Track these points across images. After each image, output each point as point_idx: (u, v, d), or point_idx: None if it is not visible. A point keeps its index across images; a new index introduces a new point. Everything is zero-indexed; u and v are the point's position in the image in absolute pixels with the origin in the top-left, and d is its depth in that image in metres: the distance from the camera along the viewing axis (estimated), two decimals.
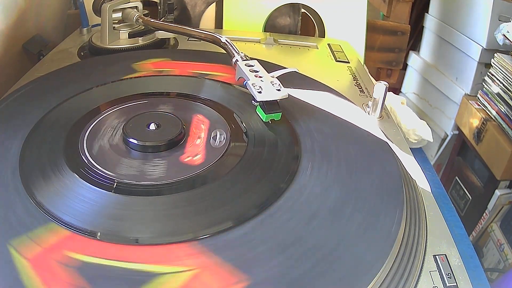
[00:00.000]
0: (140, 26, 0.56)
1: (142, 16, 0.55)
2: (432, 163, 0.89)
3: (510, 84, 0.69)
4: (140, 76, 0.44)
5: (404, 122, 0.60)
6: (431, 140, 0.61)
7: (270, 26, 0.67)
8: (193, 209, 0.29)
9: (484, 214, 0.75)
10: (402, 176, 0.33)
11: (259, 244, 0.26)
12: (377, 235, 0.27)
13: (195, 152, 0.34)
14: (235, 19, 0.65)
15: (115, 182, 0.30)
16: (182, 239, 0.26)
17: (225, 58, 0.45)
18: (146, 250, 0.26)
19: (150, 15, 0.57)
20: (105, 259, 0.25)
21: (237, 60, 0.42)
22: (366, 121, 0.39)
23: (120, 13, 0.55)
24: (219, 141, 0.34)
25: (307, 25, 0.70)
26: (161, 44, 0.57)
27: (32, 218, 0.27)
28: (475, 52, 0.78)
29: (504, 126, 0.70)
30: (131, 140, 0.33)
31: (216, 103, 0.40)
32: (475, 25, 0.79)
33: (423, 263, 0.28)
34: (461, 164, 0.84)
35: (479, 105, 0.78)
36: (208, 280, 0.24)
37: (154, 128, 0.35)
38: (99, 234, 0.26)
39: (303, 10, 0.68)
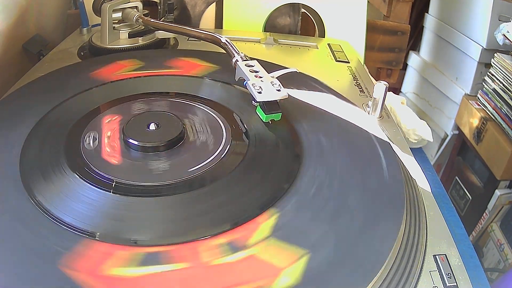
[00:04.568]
0: (140, 26, 0.56)
1: (142, 16, 0.55)
2: (432, 163, 0.89)
3: (510, 84, 0.69)
4: (140, 76, 0.44)
5: (404, 122, 0.60)
6: (431, 140, 0.61)
7: (270, 26, 0.67)
8: (193, 210, 0.29)
9: (484, 214, 0.75)
10: (402, 176, 0.33)
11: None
12: (377, 235, 0.27)
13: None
14: (235, 19, 0.65)
15: (113, 182, 0.30)
16: (182, 240, 0.26)
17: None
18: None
19: (150, 15, 0.57)
20: None
21: (237, 60, 0.42)
22: (366, 121, 0.39)
23: (120, 13, 0.55)
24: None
25: (307, 25, 0.70)
26: (161, 44, 0.57)
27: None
28: (475, 52, 0.78)
29: (504, 126, 0.70)
30: (131, 140, 0.33)
31: (216, 103, 0.40)
32: (475, 25, 0.79)
33: (423, 263, 0.28)
34: (461, 164, 0.84)
35: (479, 105, 0.78)
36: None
37: (154, 128, 0.35)
38: (98, 234, 0.26)
39: (303, 10, 0.68)
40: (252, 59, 0.42)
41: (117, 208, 0.28)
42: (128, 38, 0.55)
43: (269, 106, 0.37)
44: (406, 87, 1.03)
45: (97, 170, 0.31)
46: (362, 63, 0.61)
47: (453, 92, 0.85)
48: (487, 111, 0.75)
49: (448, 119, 0.87)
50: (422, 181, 0.36)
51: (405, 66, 1.00)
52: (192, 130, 0.36)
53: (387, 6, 0.79)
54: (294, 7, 0.67)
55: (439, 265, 0.28)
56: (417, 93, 0.99)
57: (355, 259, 0.26)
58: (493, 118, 0.73)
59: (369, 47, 0.73)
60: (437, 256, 0.29)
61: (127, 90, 0.42)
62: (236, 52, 0.43)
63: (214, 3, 0.67)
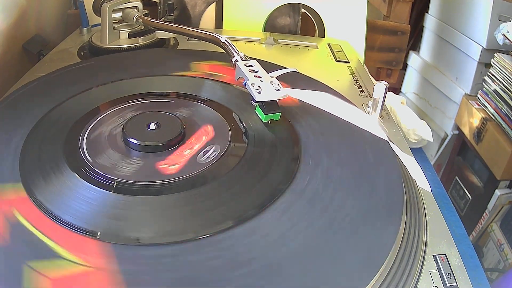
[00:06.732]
0: (140, 26, 0.56)
1: (142, 16, 0.55)
2: (432, 163, 0.89)
3: (510, 84, 0.69)
4: (141, 76, 0.44)
5: (404, 122, 0.60)
6: (431, 140, 0.61)
7: (270, 26, 0.67)
8: (193, 209, 0.29)
9: (484, 214, 0.75)
10: (402, 176, 0.33)
11: (263, 239, 0.26)
12: (377, 235, 0.27)
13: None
14: (235, 19, 0.65)
15: (115, 181, 0.30)
16: (182, 239, 0.26)
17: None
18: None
19: (150, 15, 0.57)
20: None
21: (236, 60, 0.42)
22: (366, 121, 0.39)
23: (120, 13, 0.55)
24: (208, 157, 0.33)
25: (307, 25, 0.70)
26: (161, 44, 0.57)
27: None
28: (475, 52, 0.78)
29: (504, 126, 0.70)
30: (131, 140, 0.33)
31: (216, 103, 0.40)
32: (475, 25, 0.79)
33: (423, 263, 0.28)
34: (461, 164, 0.84)
35: (479, 105, 0.78)
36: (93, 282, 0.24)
37: (154, 128, 0.35)
38: (98, 233, 0.26)
39: (303, 10, 0.68)
40: (251, 59, 0.42)
41: (118, 208, 0.28)
42: (128, 38, 0.55)
43: (269, 106, 0.37)
44: (406, 87, 1.03)
45: (97, 170, 0.31)
46: (362, 63, 0.61)
47: (453, 92, 0.85)
48: (487, 111, 0.75)
49: (448, 119, 0.87)
50: (422, 181, 0.36)
51: (405, 66, 1.00)
52: (192, 130, 0.36)
53: (387, 6, 0.79)
54: (294, 7, 0.67)
55: (439, 265, 0.28)
56: (417, 93, 0.99)
57: (355, 259, 0.26)
58: (493, 118, 0.73)
59: (369, 47, 0.73)
60: (437, 256, 0.29)
61: (127, 90, 0.42)
62: (236, 52, 0.43)
63: (214, 3, 0.67)
